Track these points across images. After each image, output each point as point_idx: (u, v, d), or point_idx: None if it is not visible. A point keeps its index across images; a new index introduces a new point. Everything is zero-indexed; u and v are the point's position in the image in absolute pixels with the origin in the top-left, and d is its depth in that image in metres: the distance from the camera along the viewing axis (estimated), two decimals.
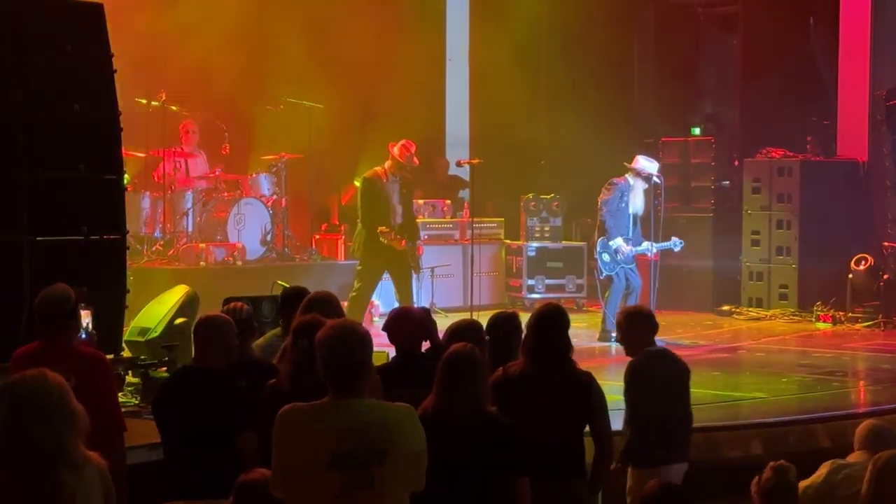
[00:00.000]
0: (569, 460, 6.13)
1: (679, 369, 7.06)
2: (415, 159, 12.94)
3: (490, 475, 5.30)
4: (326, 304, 6.42)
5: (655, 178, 13.01)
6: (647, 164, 12.98)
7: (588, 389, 6.20)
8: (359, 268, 12.85)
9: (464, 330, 6.25)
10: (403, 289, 12.85)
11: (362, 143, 15.91)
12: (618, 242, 12.81)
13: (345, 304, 11.89)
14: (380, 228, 12.49)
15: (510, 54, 16.51)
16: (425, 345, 6.52)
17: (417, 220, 15.07)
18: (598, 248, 12.99)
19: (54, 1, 8.96)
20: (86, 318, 7.18)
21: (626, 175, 12.92)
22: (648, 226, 13.02)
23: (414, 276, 13.12)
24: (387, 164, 12.79)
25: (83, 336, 6.88)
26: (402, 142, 12.82)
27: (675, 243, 13.09)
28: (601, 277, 13.08)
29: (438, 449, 4.64)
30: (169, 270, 13.24)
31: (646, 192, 12.98)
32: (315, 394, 4.82)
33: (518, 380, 6.10)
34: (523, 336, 6.35)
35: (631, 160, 13.00)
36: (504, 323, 6.60)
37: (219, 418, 5.85)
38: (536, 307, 6.54)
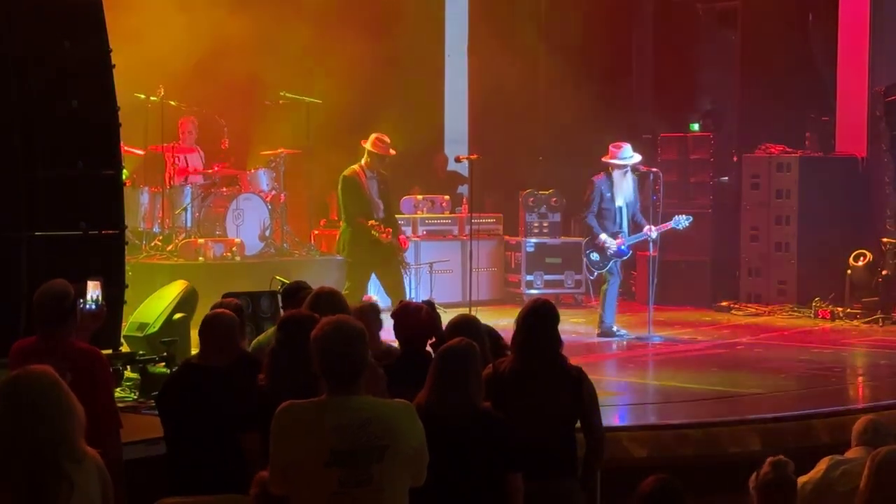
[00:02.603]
0: (560, 457, 6.10)
1: None
2: (390, 150, 12.96)
3: (483, 471, 5.30)
4: (332, 299, 6.43)
5: (638, 167, 12.94)
6: (614, 150, 12.91)
7: (578, 384, 6.18)
8: (347, 267, 12.93)
9: (461, 325, 6.23)
10: (393, 285, 12.87)
11: (361, 138, 15.89)
12: (602, 238, 12.78)
13: None
14: (370, 222, 12.54)
15: (509, 50, 16.50)
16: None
17: (415, 216, 15.13)
18: (584, 249, 13.02)
19: None
20: (95, 288, 7.18)
21: (607, 168, 12.91)
22: (648, 218, 13.01)
23: (403, 271, 13.15)
24: (363, 161, 12.87)
25: (93, 307, 6.87)
26: (373, 136, 12.90)
27: (678, 221, 13.04)
28: (592, 277, 13.10)
29: (430, 444, 4.64)
30: (167, 266, 13.24)
31: (627, 175, 12.87)
32: (293, 387, 4.83)
33: (508, 376, 6.08)
34: (513, 332, 6.32)
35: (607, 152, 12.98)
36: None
37: (223, 416, 5.86)
38: (526, 303, 6.52)
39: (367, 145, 12.87)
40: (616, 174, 12.83)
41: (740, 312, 15.07)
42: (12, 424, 3.91)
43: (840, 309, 14.37)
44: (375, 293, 13.88)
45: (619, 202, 12.87)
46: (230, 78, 14.71)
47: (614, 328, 12.92)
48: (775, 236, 15.29)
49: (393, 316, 6.48)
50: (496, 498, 5.33)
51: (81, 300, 6.56)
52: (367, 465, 4.41)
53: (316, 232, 15.38)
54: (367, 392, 4.62)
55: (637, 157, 13.00)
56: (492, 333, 6.59)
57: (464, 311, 11.99)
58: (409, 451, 4.52)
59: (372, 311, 6.73)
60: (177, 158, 14.35)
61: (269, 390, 5.56)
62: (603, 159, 12.95)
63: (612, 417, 8.64)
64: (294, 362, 5.45)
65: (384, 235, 12.59)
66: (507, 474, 5.34)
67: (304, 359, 4.78)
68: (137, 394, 8.76)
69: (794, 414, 9.24)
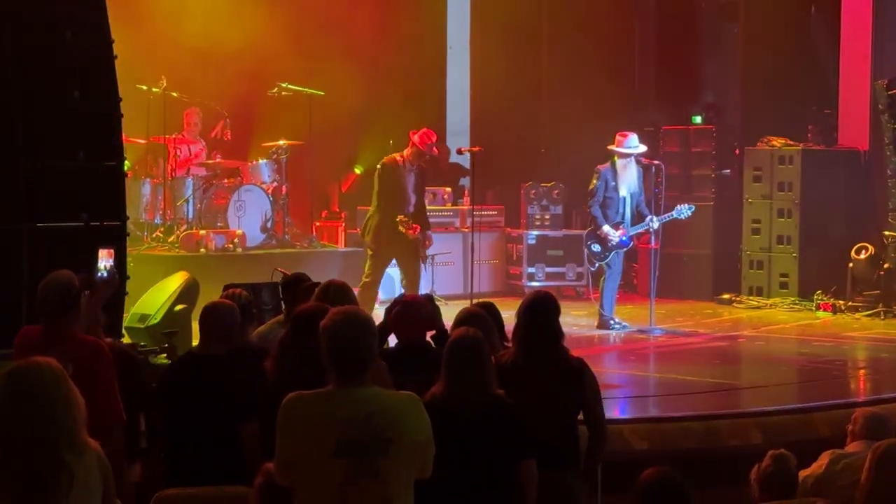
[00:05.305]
0: (561, 450, 6.11)
1: None
2: (435, 149, 12.92)
3: (498, 459, 5.32)
4: (341, 292, 6.43)
5: (641, 159, 12.97)
6: (620, 138, 12.92)
7: (580, 376, 6.19)
8: (370, 253, 12.79)
9: (471, 318, 6.23)
10: (411, 277, 12.85)
11: (363, 130, 15.90)
12: (605, 230, 12.78)
13: (355, 289, 11.91)
14: (400, 217, 12.48)
15: (511, 42, 16.48)
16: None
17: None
18: (585, 239, 13.02)
19: None
20: (108, 257, 7.19)
21: (612, 157, 12.91)
22: (651, 210, 13.01)
23: (421, 265, 13.14)
24: (406, 152, 12.71)
25: (105, 275, 6.89)
26: (423, 130, 12.77)
27: (680, 211, 13.03)
28: (592, 269, 13.14)
29: (447, 434, 4.65)
30: (169, 257, 13.25)
31: (631, 165, 12.87)
32: (299, 380, 4.83)
33: (510, 368, 6.09)
34: (515, 324, 6.33)
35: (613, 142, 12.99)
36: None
37: (221, 406, 5.86)
38: (526, 295, 6.52)
39: (415, 138, 12.72)
40: (620, 163, 12.84)
41: (742, 305, 15.08)
42: (14, 415, 3.92)
43: (841, 302, 14.36)
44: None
45: (623, 192, 12.87)
46: (232, 69, 14.71)
47: (612, 320, 12.92)
48: (777, 229, 15.28)
49: (390, 317, 6.46)
50: (511, 485, 5.34)
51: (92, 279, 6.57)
52: (373, 458, 4.41)
53: (318, 223, 15.37)
54: (375, 384, 4.62)
55: (642, 148, 13.01)
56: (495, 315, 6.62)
57: (465, 303, 12.03)
58: (414, 445, 4.50)
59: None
60: (178, 150, 14.36)
61: (275, 382, 5.56)
62: (608, 147, 12.97)
63: (613, 410, 8.64)
64: (303, 356, 5.46)
65: (411, 232, 12.53)
66: (522, 461, 5.35)
67: (313, 353, 4.78)
68: None
69: (795, 407, 9.25)
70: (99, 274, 6.71)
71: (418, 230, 12.63)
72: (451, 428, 4.65)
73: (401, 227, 12.45)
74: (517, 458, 5.36)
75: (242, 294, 6.93)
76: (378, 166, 12.87)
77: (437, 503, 4.98)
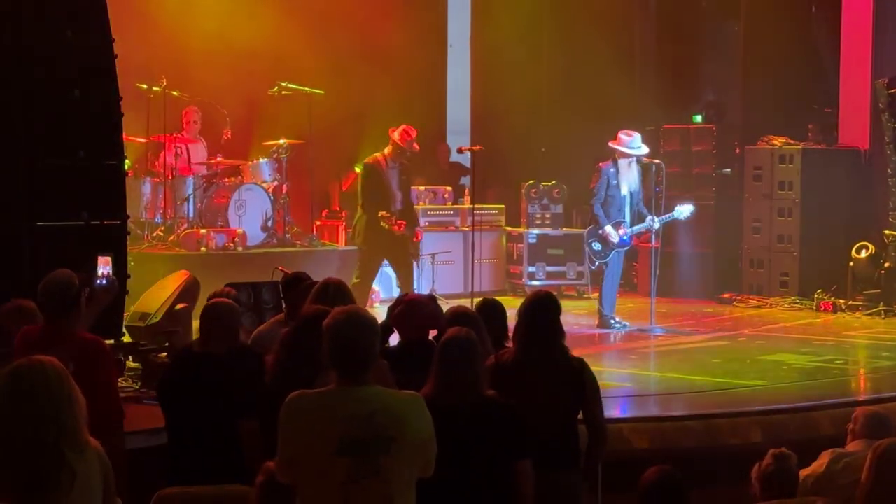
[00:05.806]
0: (562, 449, 6.11)
1: None
2: (415, 145, 12.98)
3: (492, 459, 5.31)
4: (340, 290, 6.45)
5: (642, 158, 12.96)
6: (624, 137, 12.91)
7: (580, 375, 6.19)
8: (360, 255, 12.92)
9: (460, 318, 6.23)
10: (404, 276, 12.89)
11: (363, 129, 15.88)
12: (607, 230, 12.78)
13: None
14: (381, 213, 12.53)
15: (512, 41, 16.49)
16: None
17: (417, 207, 15.10)
18: (586, 238, 13.01)
19: None
20: (106, 264, 7.22)
21: (613, 155, 12.90)
22: (650, 209, 13.00)
23: (413, 262, 13.17)
24: (387, 150, 12.86)
25: (104, 282, 6.91)
26: (403, 127, 12.89)
27: (680, 211, 13.03)
28: (593, 268, 13.13)
29: (438, 434, 4.64)
30: (169, 256, 13.24)
31: (632, 165, 12.87)
32: (299, 380, 4.83)
33: (510, 367, 6.09)
34: (515, 324, 6.33)
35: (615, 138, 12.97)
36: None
37: (221, 404, 5.87)
38: (528, 295, 6.52)
39: (395, 135, 12.83)
40: (622, 162, 12.83)
41: (742, 304, 15.07)
42: (15, 413, 3.92)
43: (842, 301, 14.36)
44: (379, 284, 13.90)
45: (624, 191, 12.85)
46: (232, 68, 14.70)
47: (613, 320, 12.92)
48: (777, 228, 15.28)
49: (394, 315, 6.47)
50: (506, 485, 5.34)
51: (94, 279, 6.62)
52: (375, 457, 4.41)
53: (318, 222, 15.37)
54: (376, 384, 4.62)
55: (645, 149, 13.00)
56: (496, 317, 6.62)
57: (466, 302, 12.04)
58: (416, 443, 4.50)
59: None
60: (179, 149, 14.36)
61: (275, 381, 5.56)
62: (610, 144, 12.94)
63: (613, 409, 8.64)
64: (304, 355, 5.46)
65: (396, 227, 12.59)
66: (517, 461, 5.35)
67: (314, 352, 4.78)
68: (139, 384, 8.77)
69: (795, 406, 9.25)
70: (98, 281, 6.74)
71: (404, 226, 12.68)
72: (440, 428, 4.64)
73: (383, 224, 12.51)
74: (514, 457, 5.36)
75: (231, 294, 6.94)
76: (360, 168, 12.98)
77: (436, 503, 4.98)
